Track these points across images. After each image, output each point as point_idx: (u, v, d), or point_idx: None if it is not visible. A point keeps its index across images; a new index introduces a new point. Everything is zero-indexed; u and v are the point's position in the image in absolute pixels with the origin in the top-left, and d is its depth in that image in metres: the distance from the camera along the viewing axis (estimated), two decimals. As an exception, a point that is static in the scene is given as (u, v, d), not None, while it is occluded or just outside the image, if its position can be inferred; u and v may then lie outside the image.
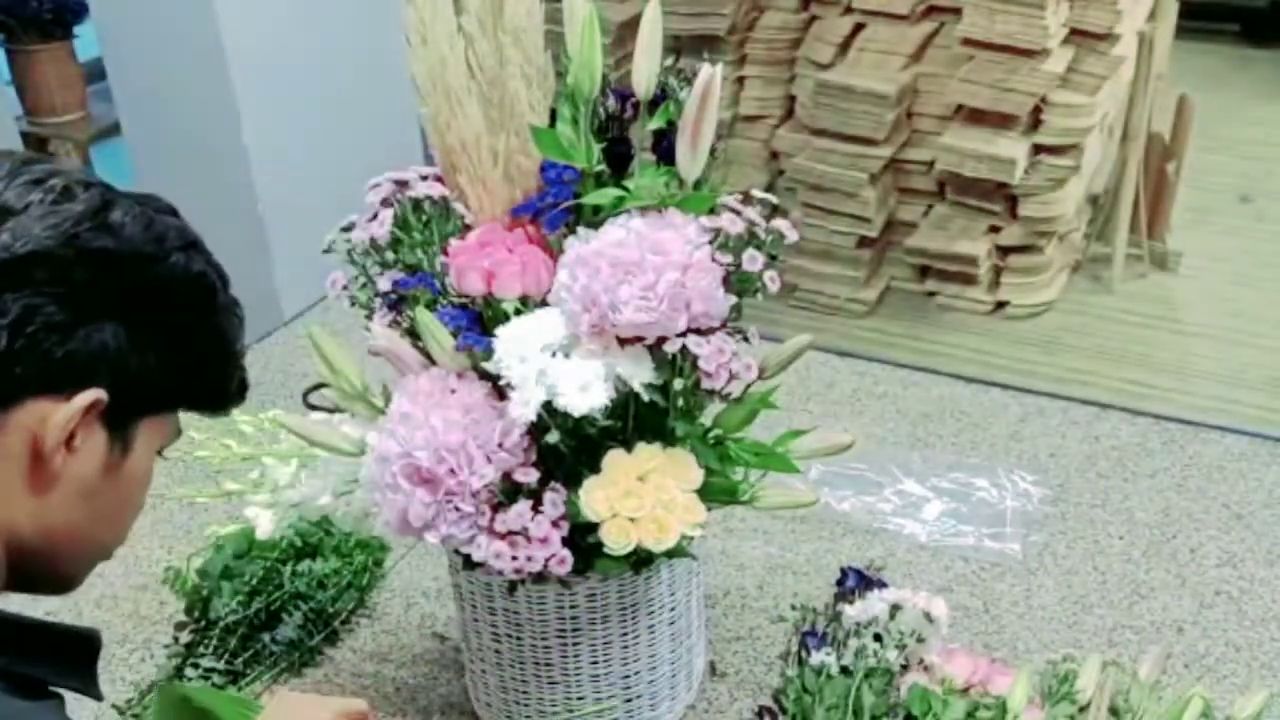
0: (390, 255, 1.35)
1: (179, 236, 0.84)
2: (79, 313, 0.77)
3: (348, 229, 1.37)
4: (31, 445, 0.77)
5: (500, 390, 1.24)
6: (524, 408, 1.19)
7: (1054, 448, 2.04)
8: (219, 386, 0.89)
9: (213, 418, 0.95)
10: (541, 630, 1.40)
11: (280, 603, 1.63)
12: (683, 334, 1.22)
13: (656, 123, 1.32)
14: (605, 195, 1.27)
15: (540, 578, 1.25)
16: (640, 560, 1.26)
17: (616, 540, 1.21)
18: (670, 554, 1.24)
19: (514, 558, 1.22)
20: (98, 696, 0.84)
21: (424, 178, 1.37)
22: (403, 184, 1.37)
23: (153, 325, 0.81)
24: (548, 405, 1.19)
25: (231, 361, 0.89)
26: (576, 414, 1.19)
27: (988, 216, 2.89)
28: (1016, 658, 1.61)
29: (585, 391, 1.18)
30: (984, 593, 1.73)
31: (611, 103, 1.34)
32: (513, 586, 1.30)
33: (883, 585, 1.58)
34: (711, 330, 1.24)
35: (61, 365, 0.76)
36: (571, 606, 1.38)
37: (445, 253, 1.29)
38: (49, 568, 0.83)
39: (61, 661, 0.81)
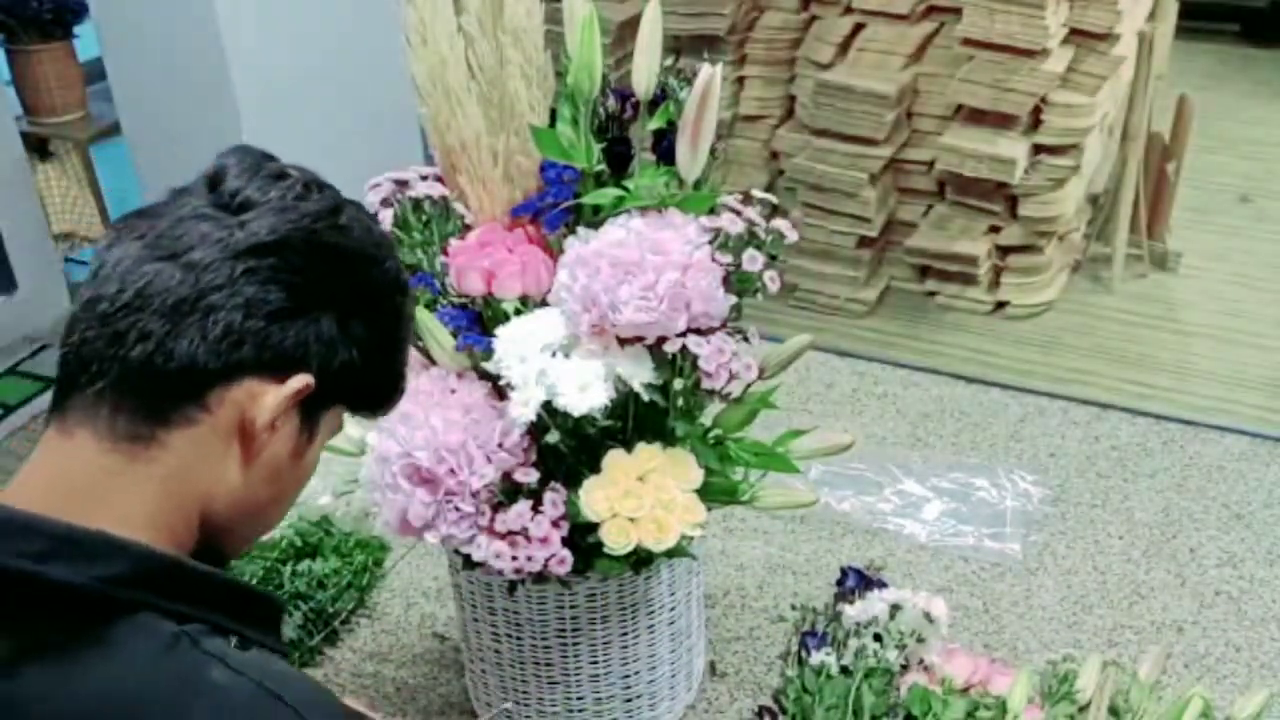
0: (390, 255, 1.35)
1: (389, 245, 0.90)
2: (304, 302, 0.81)
3: (348, 229, 1.37)
4: (240, 422, 0.81)
5: (500, 390, 1.24)
6: (524, 408, 1.19)
7: (1054, 448, 2.04)
8: (393, 388, 0.94)
9: (369, 419, 0.99)
10: (541, 630, 1.40)
11: (280, 603, 1.63)
12: (683, 334, 1.22)
13: (656, 123, 1.32)
14: (605, 195, 1.27)
15: (540, 578, 1.25)
16: (640, 560, 1.26)
17: (616, 540, 1.21)
18: (670, 554, 1.24)
19: (514, 558, 1.22)
20: (284, 654, 0.88)
21: (424, 178, 1.37)
22: (403, 184, 1.37)
23: (359, 322, 0.85)
24: (548, 405, 1.19)
25: (405, 367, 0.94)
26: (576, 414, 1.19)
27: (988, 216, 2.90)
28: (1016, 658, 1.61)
29: (585, 391, 1.18)
30: (984, 593, 1.73)
31: (611, 103, 1.34)
32: (513, 586, 1.30)
33: (883, 585, 1.58)
34: (711, 330, 1.24)
35: (281, 349, 0.81)
36: (571, 606, 1.38)
37: (445, 253, 1.29)
38: (224, 541, 0.87)
39: (253, 620, 0.85)
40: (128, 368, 0.78)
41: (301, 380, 0.82)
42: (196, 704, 0.74)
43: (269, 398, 0.81)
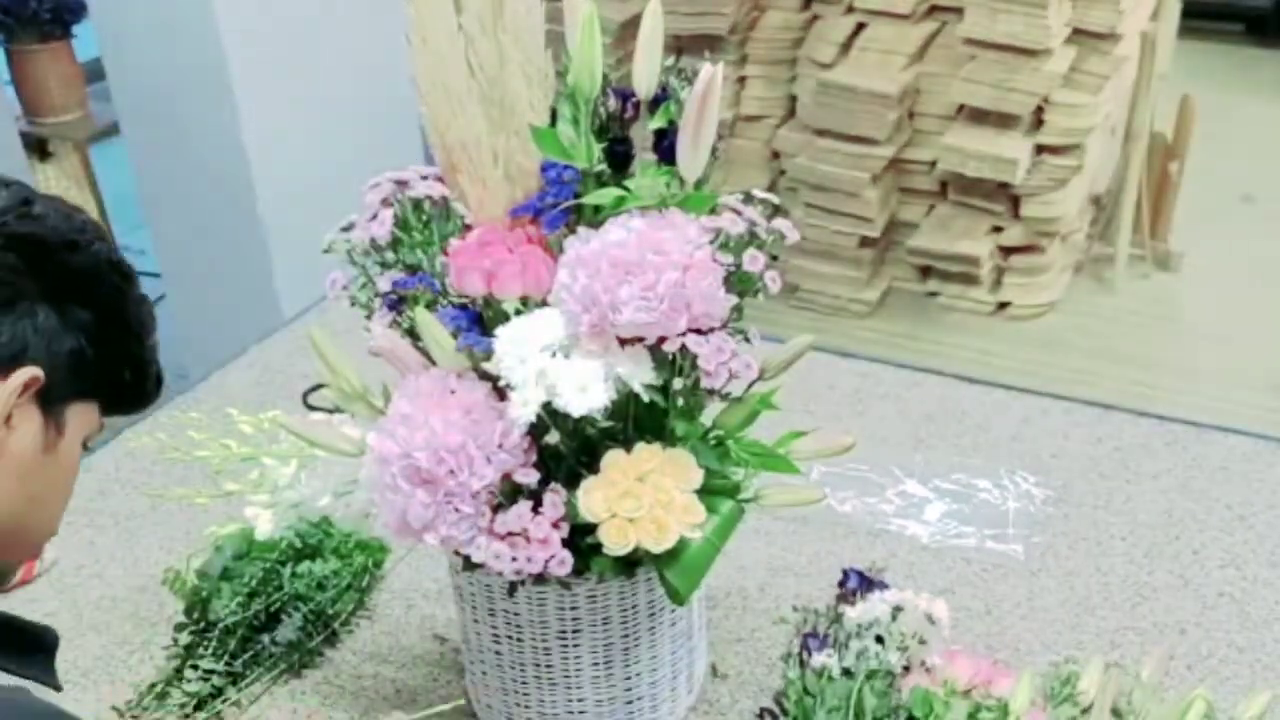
0: (390, 255, 1.35)
1: (95, 229, 0.89)
2: (11, 295, 0.82)
3: (348, 229, 1.36)
4: None
5: (500, 391, 1.24)
6: (524, 408, 1.18)
7: (1057, 449, 2.03)
8: (138, 375, 0.94)
9: (128, 415, 1.00)
10: (542, 632, 1.39)
11: (280, 604, 1.63)
12: (682, 334, 1.21)
13: (657, 122, 1.31)
14: (606, 195, 1.26)
15: (540, 579, 1.25)
16: (637, 561, 1.25)
17: (615, 541, 1.21)
18: (668, 560, 1.24)
19: (514, 559, 1.22)
20: (57, 687, 0.87)
21: (424, 178, 1.37)
22: (403, 184, 1.36)
23: (79, 308, 0.86)
24: (547, 406, 1.19)
25: (149, 352, 0.94)
26: (576, 414, 1.18)
27: (990, 216, 2.90)
28: (1019, 659, 1.61)
29: (585, 392, 1.18)
30: (986, 594, 1.72)
31: (612, 102, 1.34)
32: (513, 588, 1.30)
33: (884, 587, 1.58)
34: (711, 330, 1.24)
35: None
36: (572, 608, 1.37)
37: (445, 253, 1.29)
38: None
39: (21, 652, 0.84)
40: None
41: (27, 373, 0.82)
42: None
43: None
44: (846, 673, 1.46)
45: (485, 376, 1.25)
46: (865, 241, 2.98)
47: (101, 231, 0.90)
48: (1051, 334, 2.70)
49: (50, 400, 0.85)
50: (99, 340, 0.88)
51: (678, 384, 1.23)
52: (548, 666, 1.42)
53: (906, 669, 1.48)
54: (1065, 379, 2.37)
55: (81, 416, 0.89)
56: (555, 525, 1.23)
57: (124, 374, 0.92)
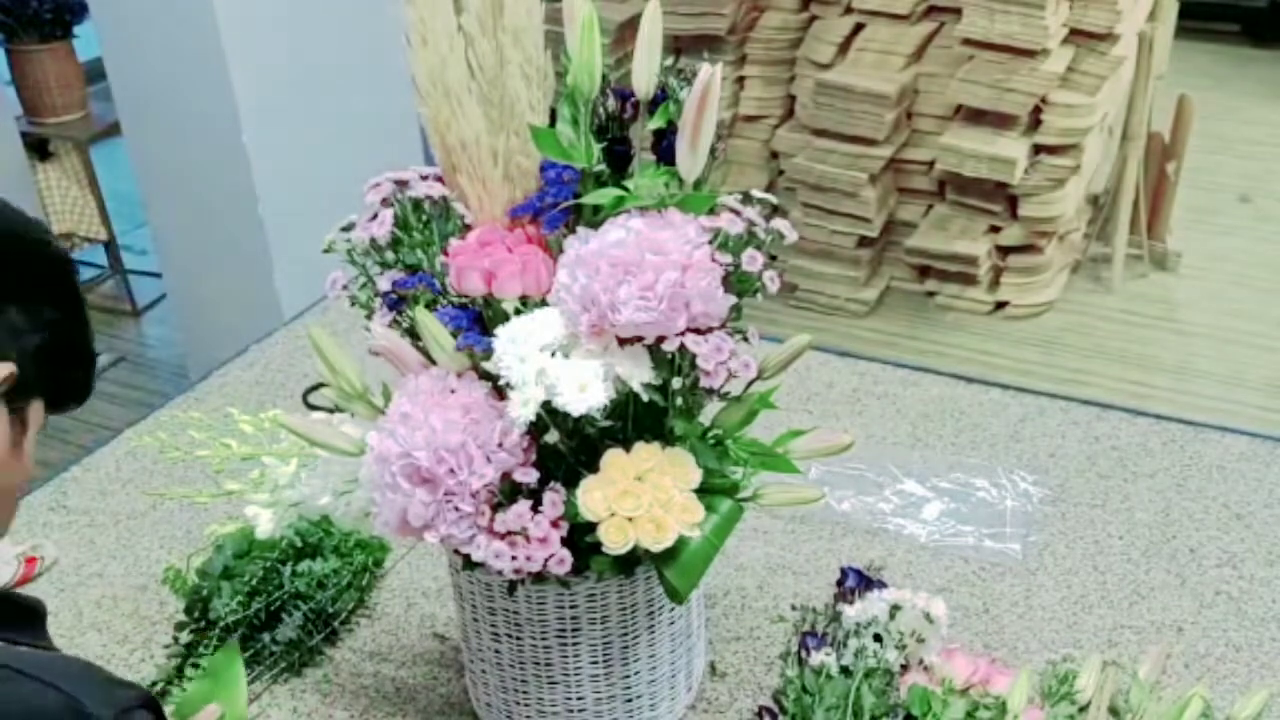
0: (390, 255, 1.35)
1: (45, 227, 0.91)
2: None
3: (348, 229, 1.37)
4: None
5: (500, 390, 1.24)
6: (523, 408, 1.19)
7: (1054, 448, 2.03)
8: (88, 371, 0.95)
9: (67, 413, 0.98)
10: (541, 630, 1.40)
11: (280, 603, 1.63)
12: (681, 333, 1.22)
13: (656, 122, 1.32)
14: (605, 195, 1.27)
15: (540, 578, 1.25)
16: (636, 560, 1.26)
17: (614, 540, 1.21)
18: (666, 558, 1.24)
19: (513, 557, 1.23)
20: (53, 650, 0.89)
21: (424, 178, 1.37)
22: (403, 184, 1.36)
23: (47, 306, 0.88)
24: (547, 405, 1.19)
25: (93, 352, 0.95)
26: (576, 414, 1.19)
27: (988, 216, 2.90)
28: (1016, 658, 1.61)
29: (584, 391, 1.18)
30: (984, 593, 1.73)
31: (611, 102, 1.34)
32: (512, 586, 1.30)
33: (882, 585, 1.58)
34: (710, 330, 1.24)
35: None
36: (571, 607, 1.38)
37: (445, 253, 1.29)
38: None
39: (12, 622, 0.86)
40: None
41: (5, 369, 0.83)
42: None
43: None
44: (845, 671, 1.46)
45: (485, 376, 1.25)
46: (863, 241, 2.98)
47: (47, 228, 0.91)
48: (1049, 333, 2.70)
49: (16, 397, 0.86)
50: (62, 337, 0.89)
51: (677, 383, 1.23)
52: (547, 665, 1.43)
53: (905, 667, 1.49)
54: (1063, 378, 2.37)
55: (35, 413, 0.90)
56: (555, 524, 1.23)
57: (78, 370, 0.93)
